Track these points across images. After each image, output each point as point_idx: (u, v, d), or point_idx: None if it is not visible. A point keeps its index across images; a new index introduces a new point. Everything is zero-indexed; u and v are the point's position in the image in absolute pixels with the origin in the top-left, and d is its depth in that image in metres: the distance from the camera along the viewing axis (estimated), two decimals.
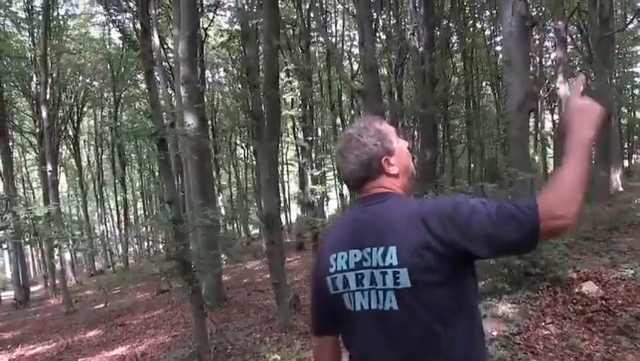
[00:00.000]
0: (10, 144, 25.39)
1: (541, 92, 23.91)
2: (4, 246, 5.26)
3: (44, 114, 17.98)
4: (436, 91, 16.82)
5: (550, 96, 26.69)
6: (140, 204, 40.58)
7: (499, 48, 23.69)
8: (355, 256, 1.53)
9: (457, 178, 18.72)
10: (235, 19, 21.36)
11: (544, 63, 25.95)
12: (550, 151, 30.43)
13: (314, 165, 18.60)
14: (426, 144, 14.71)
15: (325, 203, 26.05)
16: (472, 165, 25.66)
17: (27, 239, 5.38)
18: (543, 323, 5.65)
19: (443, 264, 1.42)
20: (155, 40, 14.73)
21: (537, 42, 22.17)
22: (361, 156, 1.61)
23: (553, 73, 22.88)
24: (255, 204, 29.38)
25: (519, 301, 6.29)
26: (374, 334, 1.51)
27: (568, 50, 17.17)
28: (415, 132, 22.44)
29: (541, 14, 15.48)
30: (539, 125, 26.38)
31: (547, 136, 31.07)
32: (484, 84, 27.83)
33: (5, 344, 12.14)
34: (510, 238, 1.36)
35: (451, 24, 20.53)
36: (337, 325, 1.69)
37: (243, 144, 34.05)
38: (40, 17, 19.47)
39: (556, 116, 23.55)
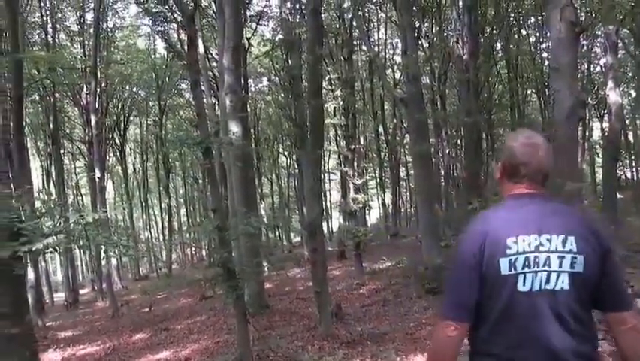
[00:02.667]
0: (62, 151, 26.26)
1: (589, 99, 23.30)
2: (59, 250, 5.47)
3: (93, 122, 18.52)
4: (481, 99, 16.61)
5: (599, 104, 25.97)
6: (183, 211, 41.22)
7: (544, 55, 23.28)
8: (536, 240, 1.75)
9: None
10: (278, 29, 21.60)
11: (592, 69, 25.32)
12: (598, 160, 29.58)
13: (356, 174, 18.56)
14: (470, 152, 14.52)
15: (367, 212, 25.95)
16: None
17: (80, 244, 5.56)
18: None
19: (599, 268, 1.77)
20: (200, 50, 15.03)
21: (585, 47, 21.65)
22: (550, 159, 1.90)
23: (602, 79, 22.29)
24: (297, 212, 29.52)
25: None
26: (540, 311, 1.73)
27: (619, 56, 16.63)
28: (459, 141, 22.16)
29: (590, 21, 15.06)
30: (587, 133, 25.70)
31: (595, 144, 30.29)
32: (529, 92, 27.29)
33: (59, 343, 12.55)
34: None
35: (495, 31, 20.25)
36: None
37: (286, 153, 34.30)
38: (91, 30, 20.10)
39: (605, 124, 22.90)
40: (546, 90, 23.21)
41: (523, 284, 1.73)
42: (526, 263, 1.73)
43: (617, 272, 1.82)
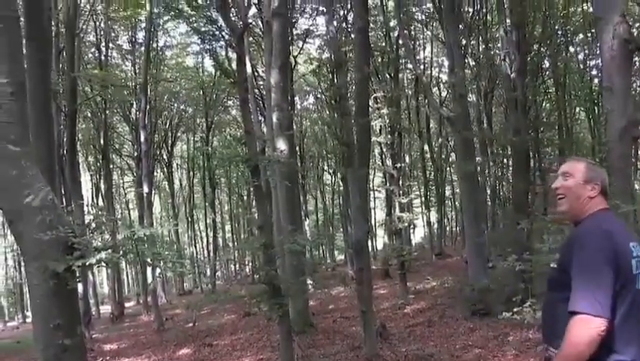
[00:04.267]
0: (110, 166, 26.98)
1: None
2: (109, 265, 5.58)
3: (142, 138, 18.96)
4: (528, 118, 16.28)
5: None
6: (228, 227, 41.57)
7: (594, 72, 22.70)
8: (634, 246, 2.06)
9: (549, 208, 17.90)
10: (324, 47, 21.78)
11: None
12: None
13: (401, 192, 18.42)
14: (518, 172, 14.22)
15: (412, 231, 25.67)
16: None
17: (129, 259, 5.66)
18: None
19: None
20: (248, 68, 15.23)
21: (638, 63, 21.01)
22: None
23: None
24: (341, 230, 29.44)
25: None
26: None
27: None
28: (505, 160, 21.75)
29: None
30: None
31: None
32: (577, 110, 26.61)
33: (105, 356, 12.77)
34: None
35: (542, 48, 19.88)
36: None
37: (330, 170, 34.34)
38: (142, 49, 20.70)
39: None
40: (595, 108, 22.61)
41: (638, 284, 2.00)
42: (638, 266, 2.02)
43: None
